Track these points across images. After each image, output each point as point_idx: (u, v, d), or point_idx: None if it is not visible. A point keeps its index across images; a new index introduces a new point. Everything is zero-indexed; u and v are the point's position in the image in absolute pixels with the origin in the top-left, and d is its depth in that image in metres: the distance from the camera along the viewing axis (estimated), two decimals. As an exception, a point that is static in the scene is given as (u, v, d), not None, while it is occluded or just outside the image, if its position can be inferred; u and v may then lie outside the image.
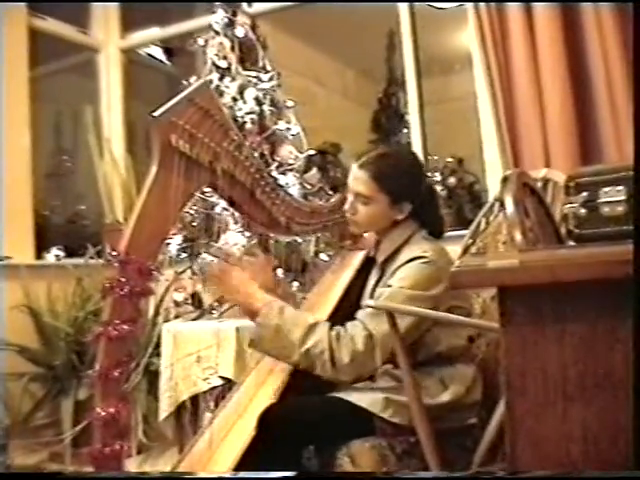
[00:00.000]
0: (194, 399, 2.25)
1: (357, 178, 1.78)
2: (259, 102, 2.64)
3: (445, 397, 1.66)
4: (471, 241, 1.93)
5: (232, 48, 2.69)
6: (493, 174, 2.95)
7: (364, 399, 1.64)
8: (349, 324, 1.64)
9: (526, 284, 0.81)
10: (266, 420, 1.57)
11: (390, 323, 1.45)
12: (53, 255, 3.69)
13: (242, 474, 1.52)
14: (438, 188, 3.90)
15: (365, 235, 2.09)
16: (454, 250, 1.87)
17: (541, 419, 0.79)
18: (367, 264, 1.98)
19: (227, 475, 1.50)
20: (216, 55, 2.66)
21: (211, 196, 2.34)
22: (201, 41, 2.73)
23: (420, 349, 1.70)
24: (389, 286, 1.69)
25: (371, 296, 1.80)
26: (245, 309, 1.72)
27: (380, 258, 1.84)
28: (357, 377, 1.64)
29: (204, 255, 2.41)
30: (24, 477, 1.71)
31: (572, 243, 1.38)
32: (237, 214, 2.16)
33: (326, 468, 1.63)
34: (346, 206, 1.82)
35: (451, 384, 1.68)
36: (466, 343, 1.77)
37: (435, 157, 3.99)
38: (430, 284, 1.65)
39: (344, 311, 1.82)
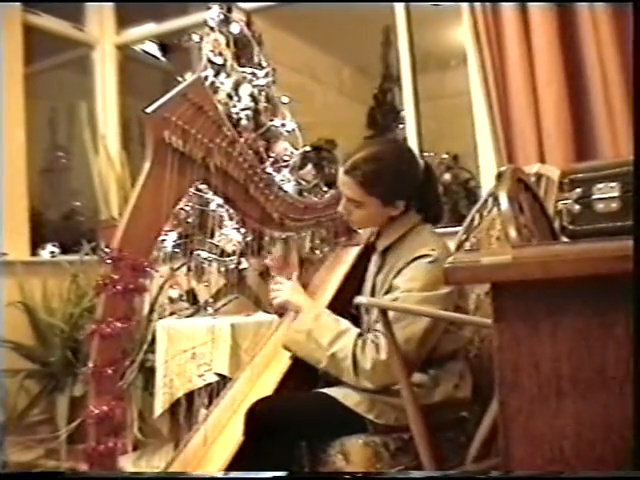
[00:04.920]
0: (189, 395, 2.25)
1: (344, 183, 1.74)
2: (254, 98, 2.63)
3: (436, 397, 1.66)
4: (465, 237, 1.93)
5: (227, 44, 2.68)
6: (488, 170, 2.95)
7: (351, 398, 1.63)
8: (379, 333, 1.60)
9: (519, 280, 0.81)
10: (254, 416, 1.57)
11: (384, 322, 1.44)
12: (48, 252, 3.69)
13: (233, 474, 1.52)
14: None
15: (360, 232, 2.08)
16: (448, 246, 1.86)
17: (534, 415, 0.79)
18: (366, 253, 1.97)
19: (219, 475, 1.50)
20: (211, 51, 2.65)
21: (206, 192, 2.33)
22: (196, 37, 2.72)
23: None
24: (395, 287, 1.67)
25: (372, 283, 1.80)
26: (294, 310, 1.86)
27: (380, 247, 1.83)
28: (381, 385, 1.61)
29: (199, 252, 2.40)
30: (22, 477, 1.70)
31: (566, 239, 1.37)
32: (232, 210, 2.16)
33: (319, 465, 1.62)
34: (340, 208, 1.80)
35: (441, 383, 1.68)
36: (457, 347, 1.77)
37: (431, 153, 3.98)
38: (440, 283, 1.60)
39: (344, 299, 1.82)
